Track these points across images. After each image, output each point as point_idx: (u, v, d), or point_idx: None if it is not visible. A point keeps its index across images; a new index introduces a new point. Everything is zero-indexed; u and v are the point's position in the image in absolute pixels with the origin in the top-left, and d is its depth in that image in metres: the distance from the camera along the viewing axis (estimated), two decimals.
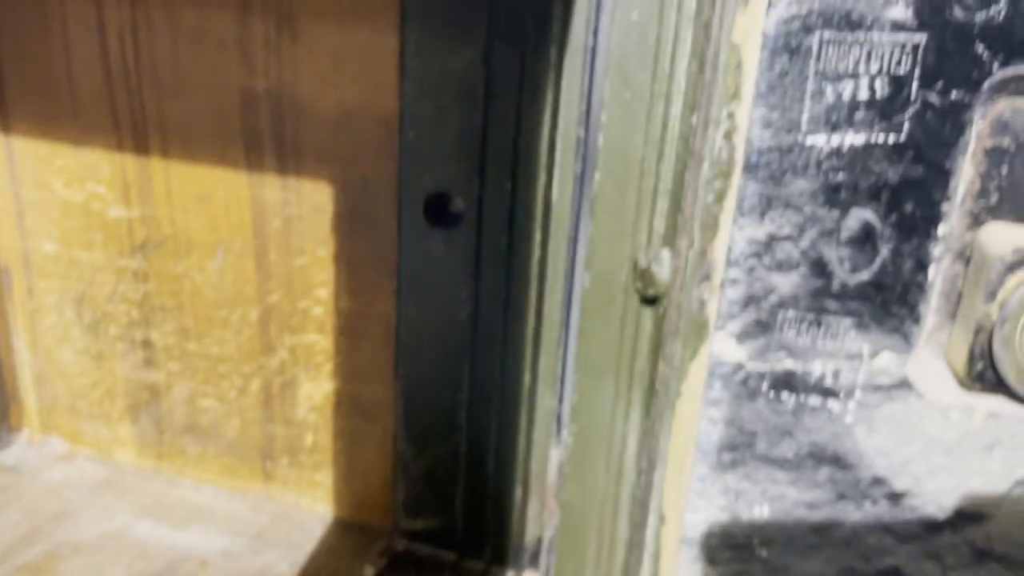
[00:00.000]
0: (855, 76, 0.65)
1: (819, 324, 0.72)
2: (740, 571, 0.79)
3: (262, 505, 1.20)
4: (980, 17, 0.62)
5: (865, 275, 0.70)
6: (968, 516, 0.75)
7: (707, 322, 0.73)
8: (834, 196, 0.68)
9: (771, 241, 0.70)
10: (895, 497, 0.75)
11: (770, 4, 0.63)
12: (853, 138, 0.66)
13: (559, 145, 0.88)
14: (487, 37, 0.86)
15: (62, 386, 1.23)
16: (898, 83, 0.65)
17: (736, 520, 0.79)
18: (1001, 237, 0.67)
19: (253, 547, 1.12)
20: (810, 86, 0.65)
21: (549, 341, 0.97)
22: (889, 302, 0.71)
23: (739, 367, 0.75)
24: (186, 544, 1.12)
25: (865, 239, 0.69)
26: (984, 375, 0.69)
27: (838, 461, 0.75)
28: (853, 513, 0.76)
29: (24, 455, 1.26)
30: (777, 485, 0.77)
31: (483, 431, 1.05)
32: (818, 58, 0.65)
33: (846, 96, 0.65)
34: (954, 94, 0.65)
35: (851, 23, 0.63)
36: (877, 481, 0.75)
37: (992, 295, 0.67)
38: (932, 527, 0.76)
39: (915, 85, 0.65)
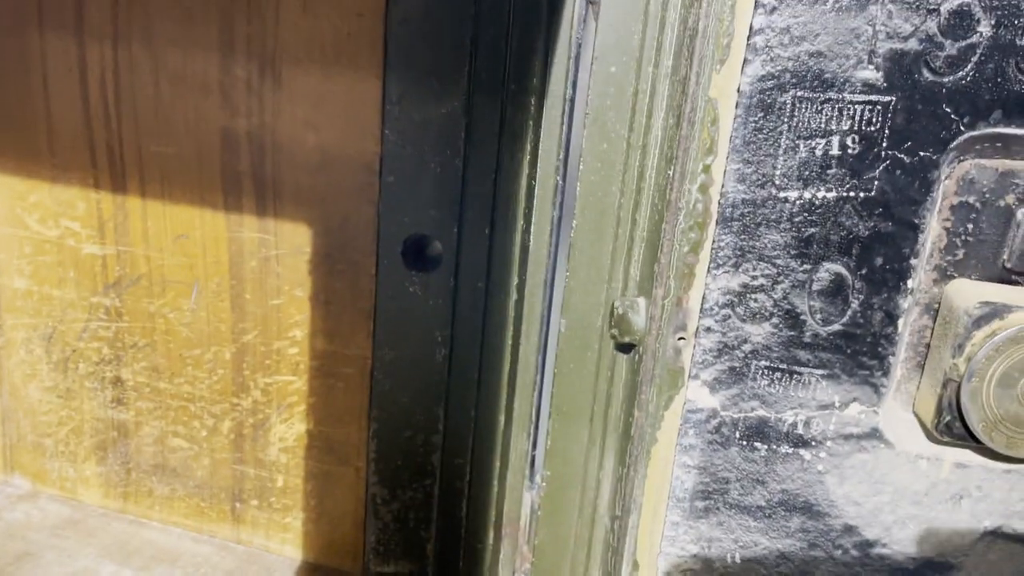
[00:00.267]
0: (827, 133, 0.67)
1: (791, 374, 0.73)
2: None
3: (230, 548, 1.18)
4: (947, 80, 0.65)
5: (836, 326, 0.72)
6: (936, 566, 0.76)
7: (682, 370, 0.74)
8: (806, 249, 0.70)
9: (745, 292, 0.72)
10: (865, 546, 0.76)
11: (745, 63, 0.65)
12: (825, 193, 0.68)
13: (537, 192, 0.90)
14: (468, 87, 0.88)
15: (27, 423, 1.21)
16: (868, 141, 0.67)
17: (709, 567, 0.79)
18: (968, 292, 0.69)
19: None
20: (784, 142, 0.67)
21: (524, 385, 0.98)
22: (859, 353, 0.72)
23: (713, 415, 0.75)
24: None
25: (836, 291, 0.71)
26: (952, 427, 0.70)
27: (809, 510, 0.76)
28: (824, 562, 0.77)
29: None
30: (749, 533, 0.78)
31: (456, 474, 1.04)
32: (791, 115, 0.67)
33: (818, 152, 0.67)
34: (922, 153, 0.67)
35: (823, 83, 0.66)
36: (848, 530, 0.76)
37: (960, 349, 0.68)
38: None
39: (885, 143, 0.67)
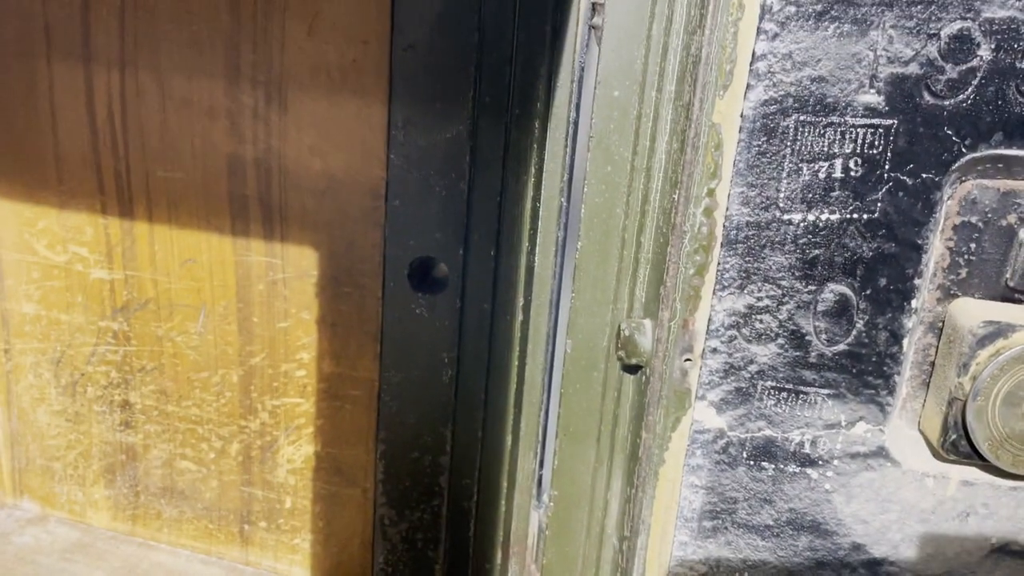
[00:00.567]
0: (830, 156, 0.68)
1: (797, 394, 0.74)
2: None
3: (239, 569, 1.18)
4: (949, 103, 0.65)
5: (841, 346, 0.72)
6: None
7: (689, 391, 0.75)
8: (811, 270, 0.70)
9: (750, 313, 0.72)
10: (873, 564, 0.77)
11: (748, 88, 0.66)
12: (828, 215, 0.69)
13: (542, 213, 0.90)
14: (473, 111, 0.89)
15: (36, 447, 1.21)
16: (871, 163, 0.67)
17: None
18: (971, 311, 0.70)
19: None
20: (787, 165, 0.68)
21: (530, 404, 0.98)
22: (865, 373, 0.73)
23: (720, 435, 0.76)
24: None
25: (841, 312, 0.71)
26: (958, 445, 0.71)
27: (817, 528, 0.77)
28: None
29: None
30: (758, 552, 0.78)
31: (464, 494, 1.05)
32: (794, 139, 0.67)
33: (821, 175, 0.68)
34: (924, 174, 0.67)
35: (825, 107, 0.66)
36: (856, 548, 0.77)
37: (964, 368, 0.69)
38: None
39: (887, 166, 0.67)
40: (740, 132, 0.67)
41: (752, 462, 0.76)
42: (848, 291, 0.71)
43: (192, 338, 1.09)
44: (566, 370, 0.88)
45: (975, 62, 0.64)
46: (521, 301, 0.95)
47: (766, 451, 0.76)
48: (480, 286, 0.96)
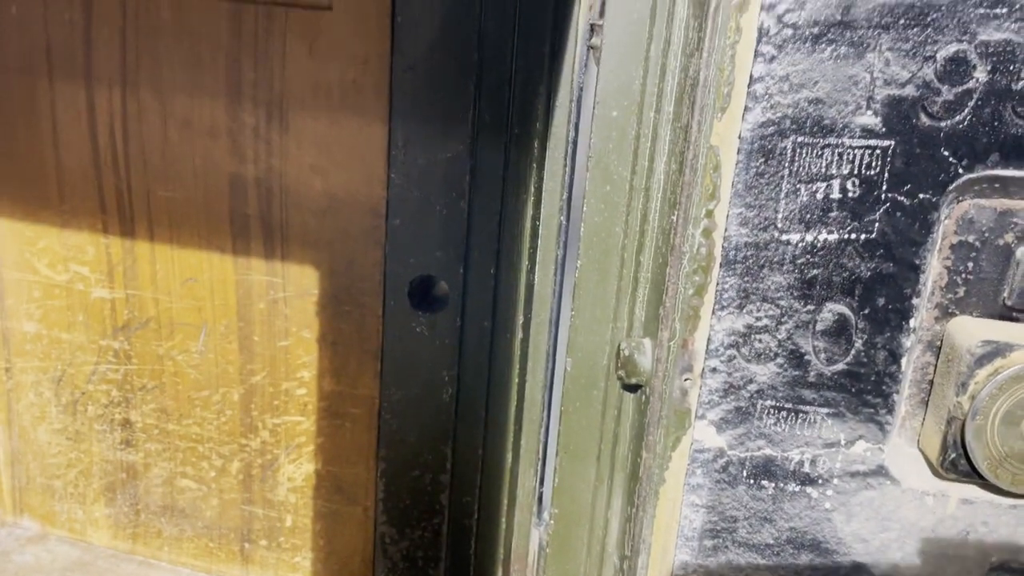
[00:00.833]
0: (827, 177, 0.68)
1: (796, 413, 0.74)
2: None
3: None
4: (945, 124, 0.66)
5: (840, 366, 0.73)
6: None
7: (689, 411, 0.75)
8: (809, 290, 0.71)
9: (749, 333, 0.73)
10: None
11: (746, 110, 0.67)
12: (826, 235, 0.69)
13: (541, 232, 0.91)
14: (472, 131, 0.89)
15: (36, 466, 1.21)
16: (868, 184, 0.68)
17: None
18: (970, 330, 0.70)
19: None
20: (785, 186, 0.68)
21: (531, 423, 0.98)
22: (864, 392, 0.73)
23: (720, 454, 0.76)
24: None
25: (840, 331, 0.72)
26: (957, 464, 0.71)
27: (817, 547, 0.77)
28: None
29: None
30: (759, 571, 0.78)
31: (464, 512, 1.05)
32: (792, 160, 0.68)
33: (819, 196, 0.68)
34: (921, 195, 0.68)
35: (823, 129, 0.67)
36: (856, 567, 0.77)
37: (963, 387, 0.69)
38: None
39: (884, 186, 0.68)
40: (738, 153, 0.68)
41: (752, 481, 0.76)
42: (847, 310, 0.71)
43: (193, 357, 1.09)
44: (566, 388, 0.88)
45: (971, 84, 0.65)
46: (521, 319, 0.96)
47: (766, 470, 0.76)
48: (480, 304, 0.96)
